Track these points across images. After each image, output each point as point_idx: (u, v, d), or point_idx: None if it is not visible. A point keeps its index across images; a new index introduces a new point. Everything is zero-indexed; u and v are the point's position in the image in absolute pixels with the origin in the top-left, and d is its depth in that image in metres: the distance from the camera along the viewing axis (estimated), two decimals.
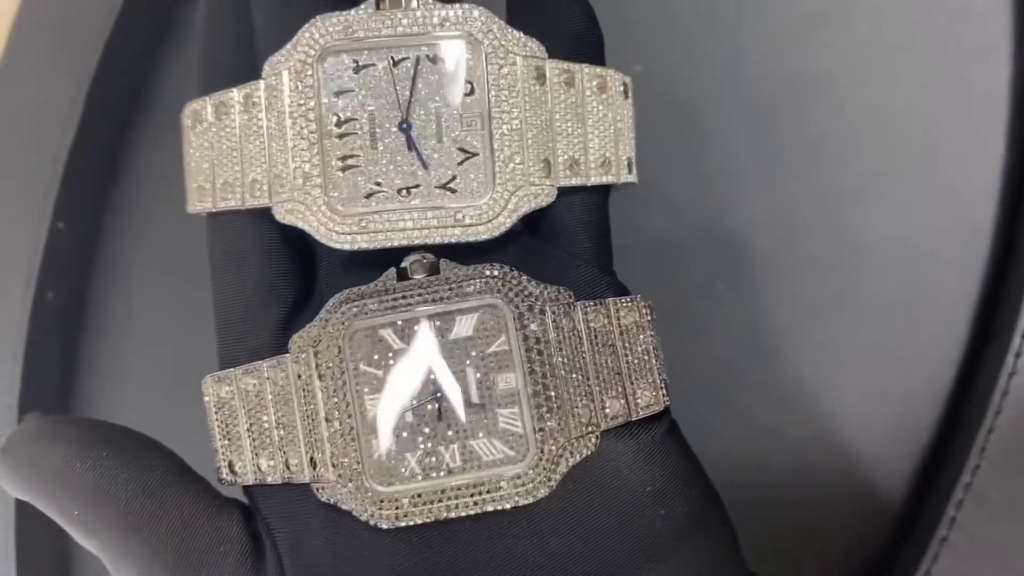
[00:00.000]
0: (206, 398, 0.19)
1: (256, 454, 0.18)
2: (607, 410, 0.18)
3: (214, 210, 0.19)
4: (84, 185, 0.33)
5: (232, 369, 0.19)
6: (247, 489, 0.19)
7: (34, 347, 0.32)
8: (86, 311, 0.34)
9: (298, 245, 0.20)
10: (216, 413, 0.19)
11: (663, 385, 0.18)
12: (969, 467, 0.24)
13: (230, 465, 0.18)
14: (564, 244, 0.19)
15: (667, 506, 0.18)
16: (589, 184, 0.19)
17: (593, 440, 0.18)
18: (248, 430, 0.18)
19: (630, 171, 0.20)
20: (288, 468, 0.18)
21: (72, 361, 0.34)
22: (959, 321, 0.26)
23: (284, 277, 0.19)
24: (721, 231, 0.28)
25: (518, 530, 0.18)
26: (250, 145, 0.19)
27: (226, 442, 0.18)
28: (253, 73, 0.19)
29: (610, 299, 0.18)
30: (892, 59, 0.27)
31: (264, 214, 0.19)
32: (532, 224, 0.20)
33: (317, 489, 0.18)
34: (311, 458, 0.18)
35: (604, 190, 0.20)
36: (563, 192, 0.19)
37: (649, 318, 0.19)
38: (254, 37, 0.20)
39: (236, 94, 0.19)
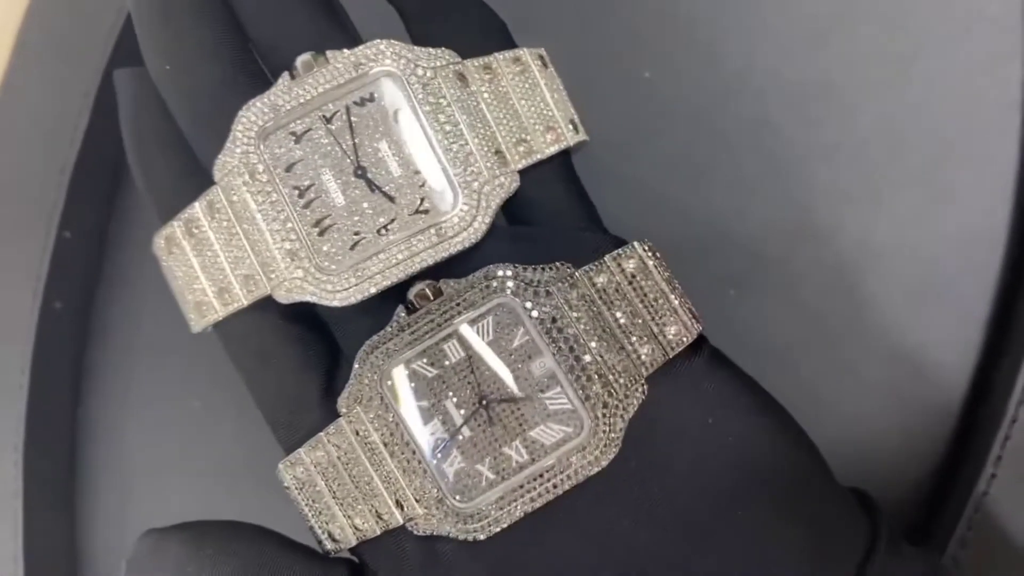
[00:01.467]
0: (285, 484, 0.19)
1: (348, 517, 0.19)
2: (643, 357, 0.19)
3: (220, 318, 0.20)
4: (90, 195, 0.33)
5: (298, 450, 0.19)
6: (352, 549, 0.20)
7: (42, 356, 0.33)
8: (93, 320, 0.34)
9: (308, 317, 0.20)
10: (300, 494, 0.19)
11: (689, 315, 0.19)
12: (985, 476, 0.24)
13: (330, 535, 0.19)
14: (547, 219, 0.20)
15: (733, 433, 0.19)
16: (544, 157, 0.20)
17: (640, 390, 0.18)
18: (334, 498, 0.19)
19: (577, 131, 0.21)
20: (380, 518, 0.19)
21: (80, 370, 0.34)
22: (973, 328, 0.26)
23: (308, 353, 0.20)
24: (732, 238, 0.28)
25: (600, 499, 0.18)
26: (230, 248, 0.19)
27: (318, 516, 0.19)
28: (199, 177, 0.20)
29: (606, 255, 0.19)
30: (903, 65, 0.27)
31: (266, 303, 0.20)
32: (511, 213, 0.20)
33: (412, 527, 0.19)
34: (396, 501, 0.19)
35: (562, 157, 0.21)
36: (524, 173, 0.20)
37: (653, 258, 0.19)
38: (188, 150, 0.21)
39: (198, 207, 0.20)
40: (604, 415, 0.18)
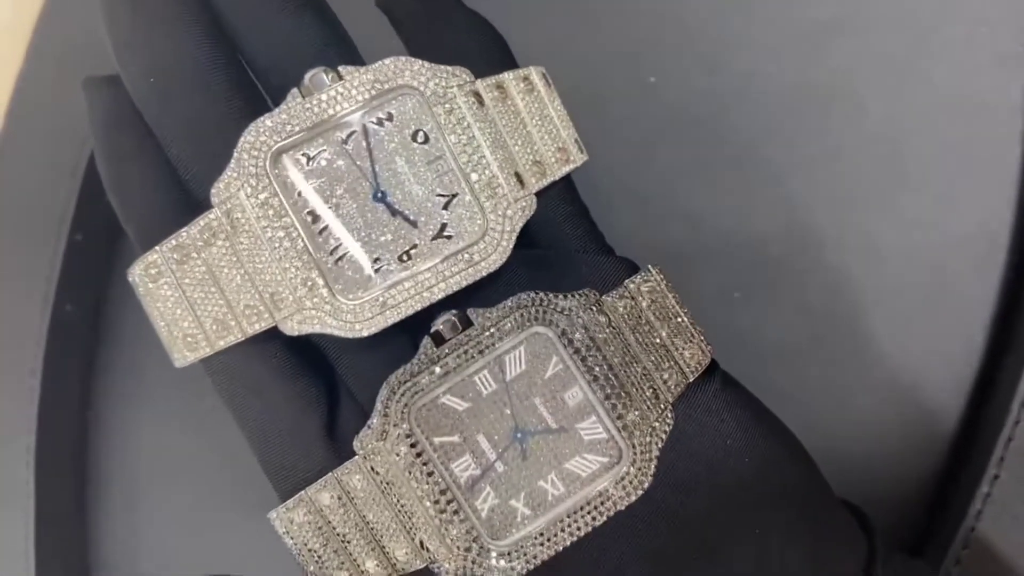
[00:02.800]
0: (281, 531, 0.18)
1: (359, 563, 0.18)
2: (668, 382, 0.18)
3: (211, 353, 0.18)
4: (101, 198, 0.33)
5: (301, 492, 0.18)
6: None
7: (53, 359, 0.33)
8: (104, 322, 0.34)
9: (305, 351, 0.19)
10: (298, 540, 0.18)
11: (701, 337, 0.19)
12: (988, 477, 0.24)
13: None
14: (559, 242, 0.20)
15: (749, 453, 0.18)
16: (556, 179, 0.19)
17: (669, 415, 0.18)
18: (344, 542, 0.18)
19: (581, 151, 0.20)
20: (396, 561, 0.18)
21: (90, 372, 0.34)
22: (976, 329, 0.26)
23: (308, 389, 0.19)
24: (737, 240, 0.28)
25: (625, 521, 0.18)
26: (229, 275, 0.18)
27: (321, 565, 0.18)
28: (186, 199, 0.19)
29: (627, 281, 0.19)
30: (908, 68, 0.27)
31: (261, 336, 0.18)
32: (521, 237, 0.20)
33: (436, 569, 0.18)
34: (420, 542, 0.18)
35: (567, 179, 0.20)
36: (537, 195, 0.19)
37: (665, 282, 0.19)
38: (170, 170, 0.19)
39: (190, 233, 0.18)
40: (642, 443, 0.18)
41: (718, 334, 0.21)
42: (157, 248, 0.18)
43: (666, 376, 0.18)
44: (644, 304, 0.19)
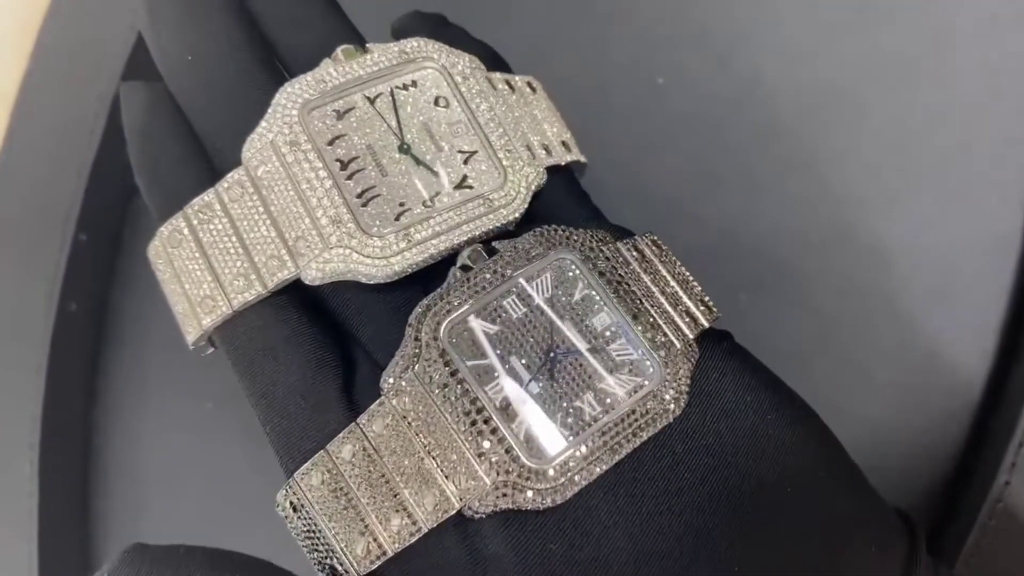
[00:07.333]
0: (285, 507, 0.17)
1: (383, 521, 0.17)
2: (686, 321, 0.19)
3: (230, 312, 0.19)
4: (106, 198, 0.34)
5: (320, 451, 0.17)
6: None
7: (57, 357, 0.33)
8: (108, 321, 0.35)
9: (321, 319, 0.19)
10: (311, 511, 0.17)
11: (705, 296, 0.19)
12: (998, 483, 0.24)
13: (341, 562, 0.17)
14: (564, 219, 0.20)
15: (774, 411, 0.18)
16: (563, 163, 0.21)
17: (695, 348, 0.18)
18: (363, 499, 0.17)
19: (571, 151, 0.22)
20: (424, 512, 0.17)
21: (95, 371, 0.34)
22: (986, 332, 0.26)
23: (326, 351, 0.19)
24: (744, 242, 0.28)
25: (652, 478, 0.17)
26: (255, 230, 0.19)
27: (337, 532, 0.17)
28: (211, 180, 0.19)
29: (636, 236, 0.20)
30: (917, 68, 0.27)
31: (270, 301, 0.19)
32: (525, 216, 0.20)
33: (469, 512, 0.17)
34: (455, 485, 0.17)
35: (570, 172, 0.22)
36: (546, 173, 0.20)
37: (665, 247, 0.20)
38: (196, 147, 0.21)
39: (216, 193, 0.19)
40: (674, 364, 0.18)
41: None
42: (183, 211, 0.19)
43: (684, 315, 0.19)
44: (653, 255, 0.19)
